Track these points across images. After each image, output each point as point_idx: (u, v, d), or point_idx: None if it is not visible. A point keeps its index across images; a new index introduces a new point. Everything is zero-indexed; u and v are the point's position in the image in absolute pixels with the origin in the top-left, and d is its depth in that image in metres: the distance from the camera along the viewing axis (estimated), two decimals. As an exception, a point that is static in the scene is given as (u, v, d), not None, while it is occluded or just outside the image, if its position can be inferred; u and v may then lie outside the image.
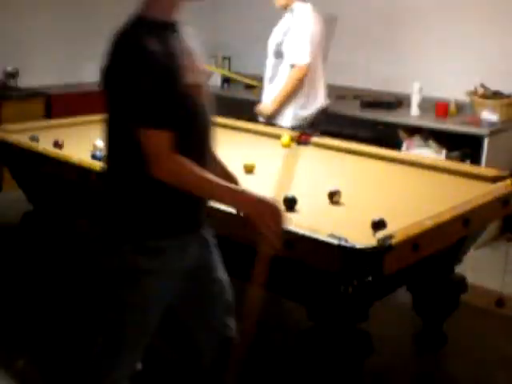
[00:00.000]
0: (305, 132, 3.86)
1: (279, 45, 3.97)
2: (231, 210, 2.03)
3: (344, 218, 2.41)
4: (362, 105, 4.75)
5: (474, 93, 4.45)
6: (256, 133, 3.75)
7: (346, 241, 1.97)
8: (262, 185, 2.77)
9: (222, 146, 3.32)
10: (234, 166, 2.98)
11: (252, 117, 4.28)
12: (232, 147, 3.44)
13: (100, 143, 3.03)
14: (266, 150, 3.38)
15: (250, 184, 2.78)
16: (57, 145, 3.18)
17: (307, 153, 3.39)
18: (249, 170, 2.92)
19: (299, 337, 2.34)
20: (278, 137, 3.62)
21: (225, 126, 3.87)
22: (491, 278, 3.62)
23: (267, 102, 4.04)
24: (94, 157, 2.97)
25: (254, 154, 3.20)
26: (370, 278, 1.96)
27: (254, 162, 2.95)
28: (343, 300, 2.12)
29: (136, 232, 1.87)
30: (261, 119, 4.15)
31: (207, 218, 2.02)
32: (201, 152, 1.90)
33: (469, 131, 4.24)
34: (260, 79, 4.29)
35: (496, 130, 4.22)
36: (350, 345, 2.27)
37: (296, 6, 3.97)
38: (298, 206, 2.43)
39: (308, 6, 4.00)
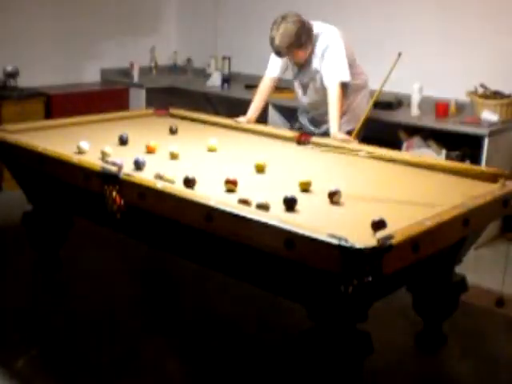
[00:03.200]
0: (305, 132, 3.86)
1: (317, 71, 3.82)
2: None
3: (344, 218, 2.41)
4: (361, 105, 4.75)
5: (474, 93, 4.46)
6: (255, 133, 3.75)
7: (346, 241, 1.97)
8: (273, 183, 2.80)
9: (226, 145, 3.36)
10: (244, 165, 3.00)
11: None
12: (237, 147, 3.45)
13: (109, 149, 3.02)
14: (271, 150, 3.38)
15: (261, 183, 2.81)
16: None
17: (307, 153, 3.40)
18: (260, 169, 2.94)
19: (299, 337, 2.34)
20: (279, 137, 3.63)
21: (225, 127, 3.88)
22: (491, 277, 3.62)
23: (336, 131, 3.67)
24: (136, 163, 2.84)
25: (261, 153, 3.21)
26: (369, 278, 1.96)
27: (265, 161, 2.96)
28: (343, 300, 2.12)
29: None
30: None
31: None
32: None
33: (469, 131, 4.24)
34: (257, 79, 4.26)
35: (496, 130, 4.22)
36: (350, 345, 2.26)
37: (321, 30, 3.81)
38: (298, 206, 2.43)
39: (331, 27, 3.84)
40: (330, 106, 3.73)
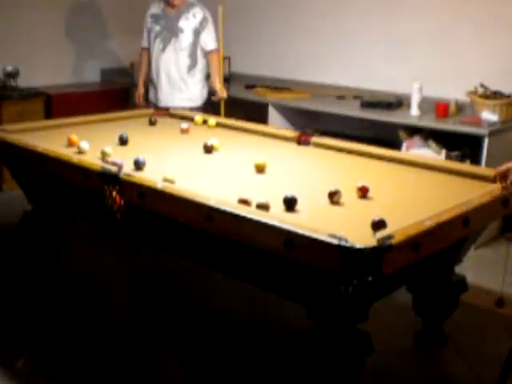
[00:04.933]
0: (305, 132, 3.86)
1: (196, 31, 4.57)
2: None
3: (344, 218, 2.41)
4: (362, 105, 4.75)
5: (473, 93, 4.45)
6: (256, 133, 3.75)
7: (346, 241, 1.97)
8: (273, 183, 2.80)
9: (226, 145, 3.36)
10: (244, 165, 3.00)
11: (251, 117, 4.28)
12: (237, 147, 3.45)
13: (109, 149, 3.01)
14: (271, 150, 3.38)
15: (261, 183, 2.81)
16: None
17: (307, 153, 3.40)
18: (260, 169, 2.94)
19: (299, 337, 2.34)
20: (279, 137, 3.63)
21: (225, 127, 3.88)
22: (491, 278, 3.63)
23: (218, 87, 4.65)
24: (136, 163, 2.82)
25: (261, 153, 3.20)
26: (369, 278, 1.96)
27: (265, 161, 2.96)
28: (343, 300, 2.12)
29: None
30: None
31: None
32: None
33: (469, 131, 4.24)
34: (257, 79, 4.27)
35: (496, 130, 4.22)
36: (350, 345, 2.27)
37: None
38: (298, 206, 2.43)
39: None
40: (213, 69, 4.67)
